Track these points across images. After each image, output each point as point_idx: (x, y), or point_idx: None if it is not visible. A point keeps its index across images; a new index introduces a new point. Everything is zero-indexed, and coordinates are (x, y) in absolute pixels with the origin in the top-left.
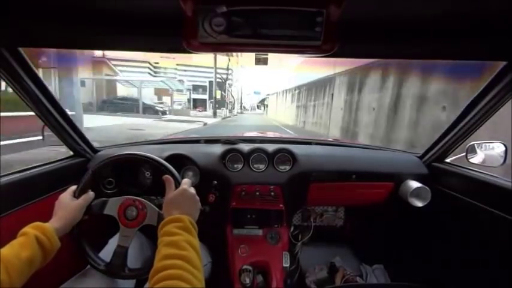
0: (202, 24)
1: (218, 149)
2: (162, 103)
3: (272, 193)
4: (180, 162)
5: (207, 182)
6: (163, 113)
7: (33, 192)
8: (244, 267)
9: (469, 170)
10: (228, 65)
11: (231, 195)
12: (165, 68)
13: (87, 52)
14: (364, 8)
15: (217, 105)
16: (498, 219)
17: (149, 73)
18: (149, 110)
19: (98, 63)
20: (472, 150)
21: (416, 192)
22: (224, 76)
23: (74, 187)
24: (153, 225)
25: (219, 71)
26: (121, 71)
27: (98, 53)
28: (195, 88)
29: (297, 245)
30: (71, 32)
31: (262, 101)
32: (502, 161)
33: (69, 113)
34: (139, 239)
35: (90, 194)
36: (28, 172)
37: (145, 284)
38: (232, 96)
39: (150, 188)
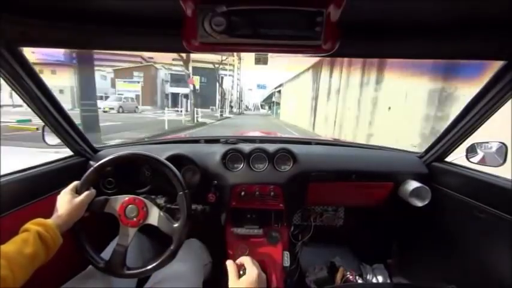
0: (202, 24)
1: (218, 148)
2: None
3: (272, 193)
4: (180, 162)
5: (207, 182)
6: None
7: (34, 192)
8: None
9: (469, 169)
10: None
11: (231, 195)
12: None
13: None
14: (364, 7)
15: (194, 104)
16: (498, 219)
17: None
18: None
19: None
20: (472, 150)
21: (416, 192)
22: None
23: (75, 183)
24: (153, 225)
25: (210, 57)
26: None
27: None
28: (176, 79)
29: (297, 245)
30: (71, 31)
31: (269, 98)
32: (502, 161)
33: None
34: (139, 238)
35: (92, 191)
36: (28, 172)
37: (145, 283)
38: (224, 92)
39: (150, 188)
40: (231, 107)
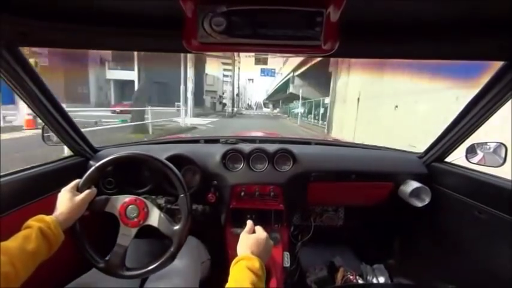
0: (202, 24)
1: (218, 149)
2: None
3: (272, 193)
4: (180, 162)
5: (207, 182)
6: None
7: (34, 192)
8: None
9: (468, 170)
10: None
11: (231, 195)
12: None
13: None
14: (364, 7)
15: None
16: (498, 219)
17: None
18: None
19: None
20: (472, 151)
21: (416, 192)
22: None
23: (77, 181)
24: (153, 225)
25: None
26: None
27: None
28: (120, 57)
29: (297, 245)
30: (71, 31)
31: (279, 92)
32: (501, 161)
33: None
34: (139, 238)
35: (93, 189)
36: (28, 172)
37: (147, 284)
38: (200, 82)
39: (150, 188)
40: (222, 104)
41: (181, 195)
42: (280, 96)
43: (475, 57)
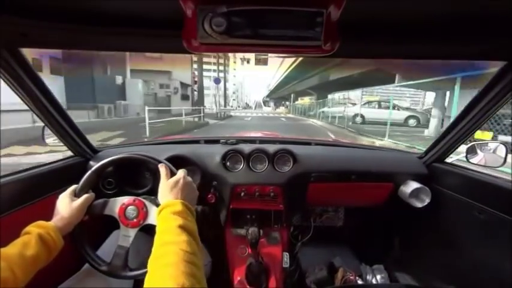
0: (202, 24)
1: (218, 149)
2: None
3: (272, 193)
4: (180, 162)
5: (207, 183)
6: None
7: (34, 192)
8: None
9: (468, 170)
10: None
11: (231, 196)
12: None
13: None
14: (364, 7)
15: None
16: (498, 219)
17: None
18: None
19: None
20: (472, 151)
21: (416, 193)
22: None
23: (74, 186)
24: (154, 225)
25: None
26: None
27: None
28: None
29: (297, 245)
30: (70, 32)
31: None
32: (502, 161)
33: None
34: (140, 239)
35: (91, 194)
36: (28, 172)
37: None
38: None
39: (150, 188)
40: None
41: None
42: (282, 93)
43: (475, 57)
